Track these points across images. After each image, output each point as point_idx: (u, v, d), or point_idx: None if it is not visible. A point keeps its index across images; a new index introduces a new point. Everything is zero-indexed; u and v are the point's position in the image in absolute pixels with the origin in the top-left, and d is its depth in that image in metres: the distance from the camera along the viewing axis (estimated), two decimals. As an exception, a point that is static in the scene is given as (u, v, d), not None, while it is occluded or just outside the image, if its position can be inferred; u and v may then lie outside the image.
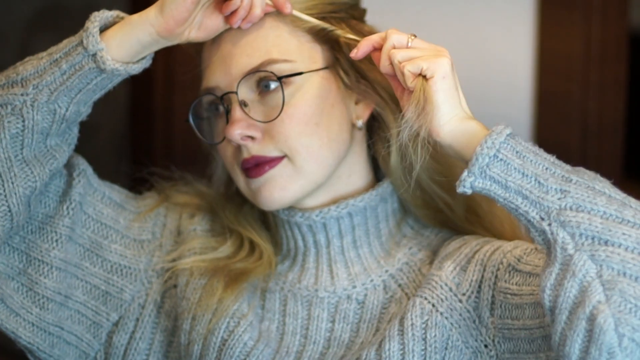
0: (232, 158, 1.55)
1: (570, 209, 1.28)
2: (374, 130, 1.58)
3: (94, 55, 1.44)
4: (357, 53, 1.44)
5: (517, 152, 1.32)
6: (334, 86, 1.52)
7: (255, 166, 1.51)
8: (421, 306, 1.47)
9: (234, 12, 1.46)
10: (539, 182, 1.30)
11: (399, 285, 1.54)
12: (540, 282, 1.29)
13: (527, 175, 1.31)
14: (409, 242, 1.58)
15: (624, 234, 1.26)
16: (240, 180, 1.55)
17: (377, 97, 1.54)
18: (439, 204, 1.56)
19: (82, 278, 1.57)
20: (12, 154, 1.46)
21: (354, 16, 1.57)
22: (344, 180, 1.56)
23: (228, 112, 1.52)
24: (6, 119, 1.45)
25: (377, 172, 1.60)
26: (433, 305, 1.47)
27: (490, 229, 1.58)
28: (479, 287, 1.46)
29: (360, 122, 1.55)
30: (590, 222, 1.27)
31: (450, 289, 1.48)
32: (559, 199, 1.29)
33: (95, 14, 1.46)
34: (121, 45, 1.45)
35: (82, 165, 1.58)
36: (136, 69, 1.47)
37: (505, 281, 1.43)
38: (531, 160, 1.31)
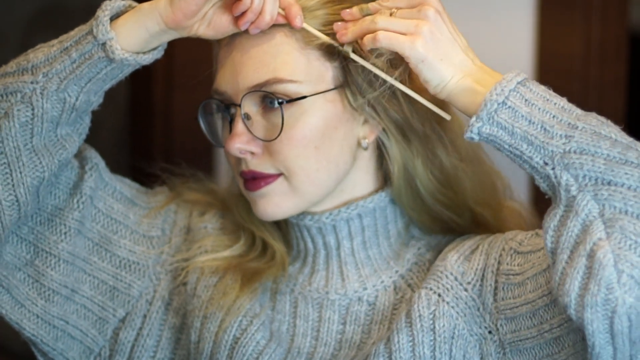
0: (235, 164, 1.54)
1: (575, 152, 1.30)
2: (382, 149, 1.55)
3: (104, 44, 1.43)
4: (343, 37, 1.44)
5: (525, 100, 1.34)
6: (339, 107, 1.50)
7: (252, 179, 1.50)
8: (427, 297, 1.47)
9: (243, 14, 1.44)
10: (544, 128, 1.32)
11: (409, 286, 1.54)
12: (544, 224, 1.31)
13: (533, 122, 1.32)
14: (417, 243, 1.58)
15: (626, 173, 1.27)
16: (241, 186, 1.54)
17: (381, 126, 1.51)
18: (445, 219, 1.57)
19: (90, 272, 1.57)
20: (21, 143, 1.45)
21: None
22: (348, 191, 1.55)
23: (232, 121, 1.51)
24: (16, 107, 1.44)
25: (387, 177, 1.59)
26: (439, 295, 1.47)
27: (499, 231, 1.58)
28: (483, 274, 1.46)
29: (365, 142, 1.52)
30: (593, 163, 1.28)
31: (456, 278, 1.48)
32: (563, 143, 1.31)
33: (107, 2, 1.45)
34: (130, 34, 1.43)
35: (95, 159, 1.57)
36: (147, 59, 1.46)
37: (508, 264, 1.44)
38: (539, 108, 1.33)
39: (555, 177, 1.30)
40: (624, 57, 2.14)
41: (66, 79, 1.45)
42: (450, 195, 1.55)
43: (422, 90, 1.45)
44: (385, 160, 1.54)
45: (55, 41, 1.47)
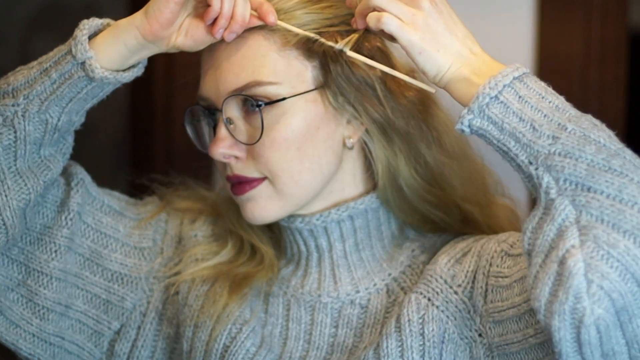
0: (222, 169, 1.54)
1: (559, 154, 1.28)
2: (367, 150, 1.54)
3: (83, 63, 1.42)
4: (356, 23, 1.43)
5: (519, 96, 1.33)
6: (320, 108, 1.49)
7: (238, 184, 1.50)
8: (417, 301, 1.47)
9: (215, 22, 1.43)
10: (533, 127, 1.31)
11: (402, 289, 1.54)
12: (523, 225, 1.30)
13: (523, 120, 1.31)
14: (411, 245, 1.57)
15: (607, 181, 1.26)
16: (229, 191, 1.54)
17: (364, 126, 1.51)
18: (434, 219, 1.56)
19: (83, 287, 1.57)
20: (5, 166, 1.45)
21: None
22: (337, 192, 1.54)
23: (215, 126, 1.51)
24: None
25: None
26: (429, 300, 1.47)
27: (489, 231, 1.57)
28: (474, 276, 1.46)
29: (350, 142, 1.51)
30: (575, 168, 1.27)
31: (445, 281, 1.47)
32: (549, 144, 1.29)
33: (85, 21, 1.45)
34: (108, 51, 1.43)
35: (81, 174, 1.57)
36: (127, 77, 1.46)
37: (498, 266, 1.43)
38: (531, 106, 1.32)
39: (537, 177, 1.29)
40: (624, 57, 2.13)
41: (47, 100, 1.45)
42: (437, 193, 1.54)
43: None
44: (372, 164, 1.54)
45: (34, 63, 1.47)
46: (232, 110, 1.49)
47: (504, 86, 1.33)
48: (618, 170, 1.27)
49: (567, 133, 1.29)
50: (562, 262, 1.24)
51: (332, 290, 1.56)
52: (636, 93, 2.32)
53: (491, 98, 1.32)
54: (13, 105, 1.45)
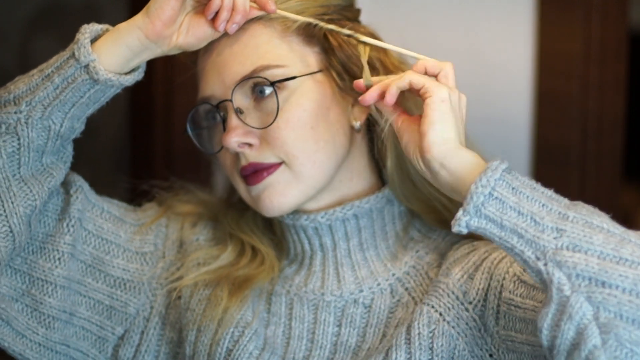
0: (232, 166, 1.54)
1: (567, 248, 1.26)
2: (374, 132, 1.56)
3: (87, 66, 1.43)
4: (365, 99, 1.42)
5: (512, 188, 1.30)
6: (328, 89, 1.51)
7: (254, 173, 1.51)
8: (428, 315, 1.47)
9: (217, 15, 1.45)
10: (534, 220, 1.28)
11: (406, 289, 1.54)
12: (538, 322, 1.28)
13: (522, 214, 1.29)
14: (416, 245, 1.57)
15: (620, 275, 1.23)
16: (240, 187, 1.55)
17: (368, 109, 1.53)
18: (437, 206, 1.56)
19: (86, 294, 1.58)
20: (9, 174, 1.46)
21: (348, 17, 1.56)
22: (345, 183, 1.55)
23: (224, 120, 1.52)
24: (1, 138, 1.45)
25: (383, 174, 1.59)
26: (440, 314, 1.47)
27: None
28: (485, 295, 1.45)
29: (357, 124, 1.53)
30: (586, 263, 1.25)
31: (457, 297, 1.47)
32: (554, 238, 1.27)
33: (85, 26, 1.46)
34: (111, 53, 1.44)
35: (79, 181, 1.58)
36: (129, 80, 1.47)
37: (510, 292, 1.42)
38: (527, 197, 1.29)
39: (547, 273, 1.26)
40: (624, 57, 2.13)
41: (50, 106, 1.45)
42: None
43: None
44: (378, 148, 1.55)
45: (34, 70, 1.47)
46: (241, 100, 1.50)
47: (496, 180, 1.30)
48: (629, 259, 1.25)
49: (570, 223, 1.27)
50: None
51: (336, 289, 1.56)
52: (636, 93, 2.32)
53: (485, 196, 1.30)
54: (16, 113, 1.45)
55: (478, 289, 1.46)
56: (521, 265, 1.31)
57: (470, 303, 1.46)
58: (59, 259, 1.53)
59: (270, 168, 1.50)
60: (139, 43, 1.44)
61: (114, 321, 1.59)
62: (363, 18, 1.61)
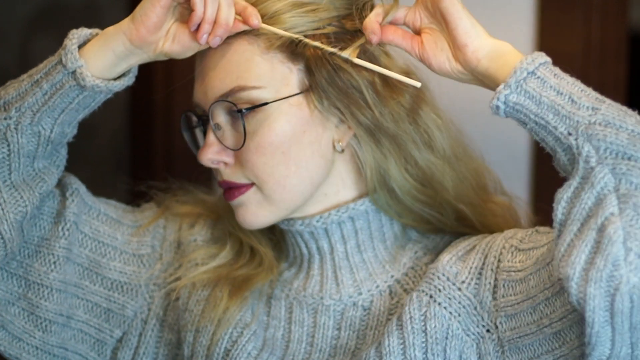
0: (215, 174, 1.54)
1: (599, 124, 1.29)
2: (358, 158, 1.52)
3: (74, 72, 1.42)
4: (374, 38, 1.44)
5: (555, 73, 1.34)
6: (305, 111, 1.48)
7: (228, 189, 1.51)
8: (418, 299, 1.47)
9: (199, 28, 1.43)
10: (572, 99, 1.32)
11: (405, 291, 1.54)
12: (556, 195, 1.30)
13: (561, 93, 1.33)
14: (414, 246, 1.57)
15: None
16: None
17: (352, 130, 1.49)
18: (429, 219, 1.55)
19: (83, 297, 1.57)
20: (0, 180, 1.45)
21: (346, 29, 1.49)
22: (332, 195, 1.54)
23: (205, 132, 1.51)
24: None
25: None
26: (431, 297, 1.46)
27: (483, 229, 1.57)
28: (480, 273, 1.45)
29: (339, 146, 1.50)
30: (617, 136, 1.28)
31: (448, 279, 1.47)
32: (589, 115, 1.30)
33: (73, 31, 1.45)
34: (98, 58, 1.43)
35: (75, 184, 1.57)
36: (117, 86, 1.46)
37: (509, 261, 1.43)
38: (567, 82, 1.34)
39: (577, 147, 1.30)
40: (624, 57, 2.13)
41: (39, 112, 1.45)
42: (430, 194, 1.53)
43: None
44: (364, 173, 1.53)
45: (24, 76, 1.47)
46: (220, 116, 1.49)
47: (540, 64, 1.34)
48: None
49: (606, 105, 1.31)
50: (600, 229, 1.24)
51: (335, 292, 1.56)
52: (636, 93, 2.31)
53: (529, 73, 1.34)
54: (5, 119, 1.45)
55: (471, 267, 1.46)
56: (552, 145, 1.33)
57: (462, 282, 1.46)
58: (54, 262, 1.53)
59: (241, 188, 1.49)
60: (123, 48, 1.43)
61: (111, 324, 1.59)
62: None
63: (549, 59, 1.36)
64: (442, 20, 1.41)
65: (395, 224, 1.56)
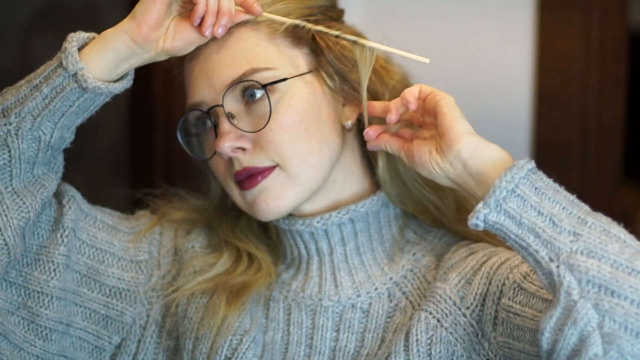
0: (225, 172, 1.53)
1: (581, 253, 1.26)
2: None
3: (75, 74, 1.43)
4: (391, 117, 1.44)
5: (536, 188, 1.30)
6: (318, 89, 1.51)
7: (248, 177, 1.50)
8: (426, 321, 1.47)
9: (203, 21, 1.44)
10: (553, 222, 1.28)
11: (404, 293, 1.54)
12: (540, 324, 1.27)
13: (542, 214, 1.29)
14: (412, 248, 1.57)
15: (631, 286, 1.23)
16: (235, 193, 1.54)
17: (359, 109, 1.53)
18: (428, 206, 1.56)
19: (81, 304, 1.57)
20: (2, 186, 1.45)
21: (332, 17, 1.55)
22: (339, 184, 1.55)
23: (216, 125, 1.51)
24: None
25: (376, 176, 1.57)
26: (438, 320, 1.46)
27: None
28: (484, 300, 1.45)
29: (349, 123, 1.53)
30: (599, 270, 1.24)
31: (455, 303, 1.47)
32: (571, 241, 1.27)
33: (72, 34, 1.45)
34: (98, 60, 1.43)
35: (71, 191, 1.57)
36: (118, 87, 1.46)
37: (509, 298, 1.41)
38: (549, 198, 1.29)
39: (558, 276, 1.26)
40: (624, 57, 2.13)
41: (39, 116, 1.45)
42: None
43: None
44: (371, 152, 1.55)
45: (22, 81, 1.46)
46: (232, 104, 1.49)
47: (520, 178, 1.30)
48: None
49: (588, 228, 1.27)
50: None
51: (333, 294, 1.56)
52: (636, 93, 2.31)
53: (508, 192, 1.30)
54: (5, 125, 1.45)
55: (476, 293, 1.46)
56: (532, 266, 1.30)
57: (467, 308, 1.46)
58: (54, 270, 1.53)
59: (264, 172, 1.50)
60: (125, 48, 1.44)
61: (110, 330, 1.59)
62: (363, 20, 1.61)
63: (531, 165, 1.31)
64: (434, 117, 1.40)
65: (394, 226, 1.57)
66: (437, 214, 1.56)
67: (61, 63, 1.43)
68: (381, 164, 1.53)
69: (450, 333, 1.45)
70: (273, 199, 1.50)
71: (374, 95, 1.53)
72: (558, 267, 1.26)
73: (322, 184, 1.52)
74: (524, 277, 1.41)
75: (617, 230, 1.28)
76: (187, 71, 1.54)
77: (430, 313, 1.47)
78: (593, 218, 1.28)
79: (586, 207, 1.30)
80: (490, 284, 1.45)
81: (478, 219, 1.31)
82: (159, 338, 1.60)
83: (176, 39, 1.45)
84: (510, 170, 1.30)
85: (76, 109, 1.45)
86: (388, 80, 1.56)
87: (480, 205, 1.31)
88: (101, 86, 1.43)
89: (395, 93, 1.51)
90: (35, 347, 1.53)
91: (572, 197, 1.31)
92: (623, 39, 2.13)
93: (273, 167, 1.50)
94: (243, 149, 1.49)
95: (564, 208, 1.29)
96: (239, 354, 1.53)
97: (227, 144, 1.49)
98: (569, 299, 1.25)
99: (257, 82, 1.47)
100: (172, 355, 1.60)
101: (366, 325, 1.54)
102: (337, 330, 1.54)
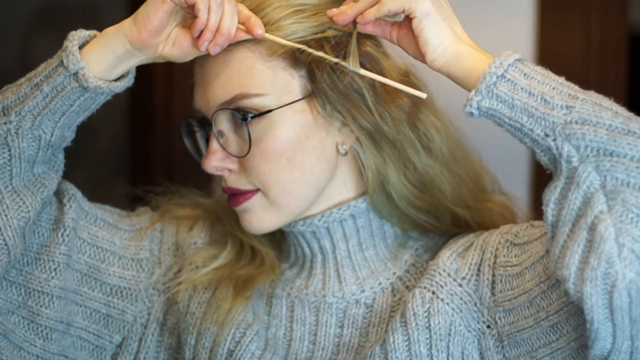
0: (219, 180, 1.54)
1: (576, 122, 1.29)
2: (359, 161, 1.53)
3: (76, 74, 1.42)
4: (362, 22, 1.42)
5: (524, 73, 1.33)
6: (309, 117, 1.49)
7: (233, 195, 1.51)
8: (421, 295, 1.47)
9: (201, 35, 1.42)
10: (544, 99, 1.31)
11: (407, 287, 1.54)
12: (544, 198, 1.30)
13: (533, 94, 1.32)
14: (414, 244, 1.58)
15: (629, 143, 1.26)
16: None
17: (354, 133, 1.50)
18: (424, 224, 1.56)
19: (82, 303, 1.57)
20: (2, 186, 1.45)
21: (344, 30, 1.50)
22: (336, 196, 1.54)
23: (208, 138, 1.51)
24: None
25: None
26: (433, 293, 1.47)
27: (480, 230, 1.57)
28: (479, 269, 1.46)
29: (343, 149, 1.51)
30: (595, 133, 1.27)
31: (449, 275, 1.47)
32: (564, 114, 1.30)
33: (73, 33, 1.45)
34: (98, 59, 1.43)
35: (71, 190, 1.57)
36: (118, 87, 1.46)
37: (505, 256, 1.44)
38: (538, 81, 1.32)
39: (557, 148, 1.29)
40: (624, 57, 2.13)
41: (40, 115, 1.44)
42: (427, 199, 1.54)
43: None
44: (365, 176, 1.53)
45: (22, 80, 1.46)
46: (223, 123, 1.49)
47: (509, 65, 1.33)
48: (637, 132, 1.27)
49: (579, 101, 1.30)
50: (591, 228, 1.24)
51: (337, 290, 1.56)
52: (636, 93, 2.31)
53: (498, 77, 1.33)
54: (5, 123, 1.45)
55: (470, 264, 1.47)
56: (530, 147, 1.33)
57: (463, 279, 1.47)
58: (54, 269, 1.53)
59: (246, 194, 1.50)
60: (123, 49, 1.43)
61: (111, 329, 1.59)
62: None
63: (518, 56, 1.35)
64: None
65: (396, 221, 1.57)
66: (433, 230, 1.57)
67: (62, 62, 1.42)
68: (371, 189, 1.52)
69: (447, 304, 1.46)
70: (255, 220, 1.51)
71: (367, 132, 1.50)
72: (555, 140, 1.29)
73: (307, 207, 1.52)
74: (515, 235, 1.44)
75: (609, 103, 1.31)
76: (196, 70, 1.53)
77: (425, 287, 1.48)
78: (584, 94, 1.31)
79: (576, 87, 1.33)
80: (483, 253, 1.46)
81: (472, 107, 1.34)
82: (161, 336, 1.60)
83: (175, 47, 1.45)
84: (499, 58, 1.34)
85: (77, 107, 1.45)
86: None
87: (472, 93, 1.34)
88: (102, 85, 1.43)
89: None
90: (36, 346, 1.53)
91: (562, 80, 1.34)
92: (623, 39, 2.13)
93: (255, 191, 1.50)
94: (229, 169, 1.50)
95: (554, 88, 1.32)
96: (242, 346, 1.53)
97: (212, 164, 1.49)
98: (570, 167, 1.28)
99: (240, 112, 1.46)
100: (173, 353, 1.60)
101: (370, 320, 1.54)
102: (341, 326, 1.55)
